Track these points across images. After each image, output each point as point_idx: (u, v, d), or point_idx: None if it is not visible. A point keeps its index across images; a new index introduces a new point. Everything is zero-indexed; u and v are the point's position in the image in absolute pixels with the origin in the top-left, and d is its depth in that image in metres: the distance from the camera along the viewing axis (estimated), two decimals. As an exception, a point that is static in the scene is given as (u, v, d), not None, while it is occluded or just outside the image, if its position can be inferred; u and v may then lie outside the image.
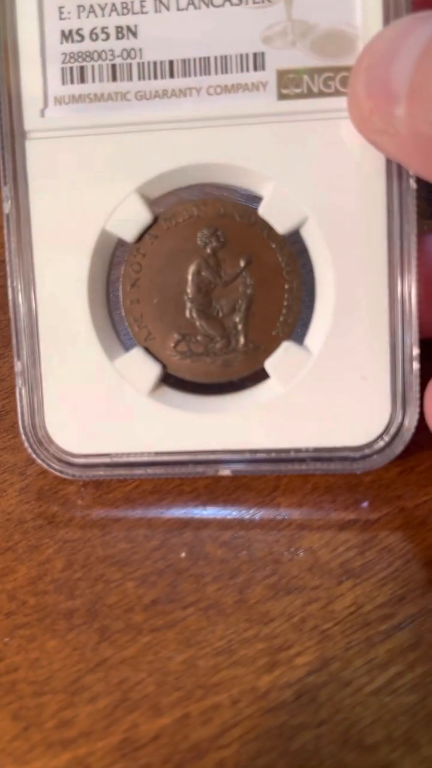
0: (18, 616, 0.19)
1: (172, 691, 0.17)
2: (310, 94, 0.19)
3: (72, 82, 0.19)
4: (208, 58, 0.19)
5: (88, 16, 0.19)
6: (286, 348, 0.20)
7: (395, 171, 0.19)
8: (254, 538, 0.20)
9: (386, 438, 0.20)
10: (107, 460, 0.20)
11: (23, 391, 0.20)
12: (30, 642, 0.18)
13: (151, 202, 0.20)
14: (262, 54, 0.19)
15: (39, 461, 0.21)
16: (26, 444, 0.20)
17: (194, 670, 0.18)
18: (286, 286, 0.20)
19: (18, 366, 0.20)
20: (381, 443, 0.20)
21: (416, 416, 0.19)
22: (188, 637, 0.18)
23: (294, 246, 0.20)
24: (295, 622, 0.18)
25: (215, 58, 0.19)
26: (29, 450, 0.21)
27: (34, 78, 0.19)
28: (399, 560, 0.19)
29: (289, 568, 0.19)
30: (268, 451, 0.20)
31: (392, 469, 0.21)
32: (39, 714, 0.17)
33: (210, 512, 0.20)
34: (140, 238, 0.20)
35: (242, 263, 0.20)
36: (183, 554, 0.20)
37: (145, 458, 0.20)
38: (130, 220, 0.20)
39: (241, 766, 0.16)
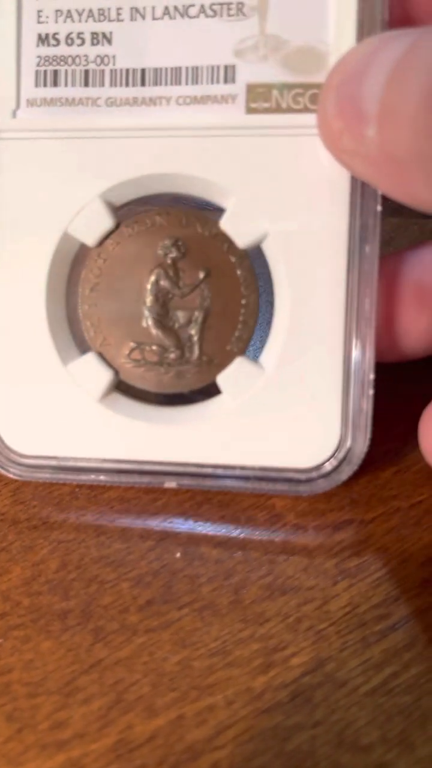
0: (12, 617, 0.19)
1: (167, 692, 0.17)
2: (278, 109, 0.19)
3: (45, 85, 0.20)
4: (180, 68, 0.19)
5: (65, 21, 0.19)
6: (239, 363, 0.20)
7: (360, 192, 0.18)
8: (249, 539, 0.20)
9: (334, 462, 0.19)
10: (53, 463, 0.20)
11: None
12: (24, 643, 0.18)
13: (114, 208, 0.20)
14: (233, 67, 0.19)
15: None
16: None
17: (189, 671, 0.18)
18: (243, 302, 0.20)
19: None
20: (328, 467, 0.19)
21: (366, 442, 0.19)
22: (183, 638, 0.18)
23: (256, 261, 0.20)
24: (291, 623, 0.18)
25: (186, 68, 0.19)
26: None
27: (8, 79, 0.20)
28: (394, 560, 0.19)
29: (285, 568, 0.19)
30: (215, 467, 0.20)
31: (387, 468, 0.21)
32: (33, 715, 0.17)
33: (205, 512, 0.20)
34: (102, 243, 0.20)
35: (201, 275, 0.20)
36: (178, 554, 0.20)
37: (92, 464, 0.20)
38: (93, 224, 0.20)
39: (236, 767, 0.16)
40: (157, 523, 0.20)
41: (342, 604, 0.18)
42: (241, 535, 0.20)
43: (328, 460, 0.19)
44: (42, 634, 0.18)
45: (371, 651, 0.18)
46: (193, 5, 0.19)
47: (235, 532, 0.20)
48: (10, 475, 0.20)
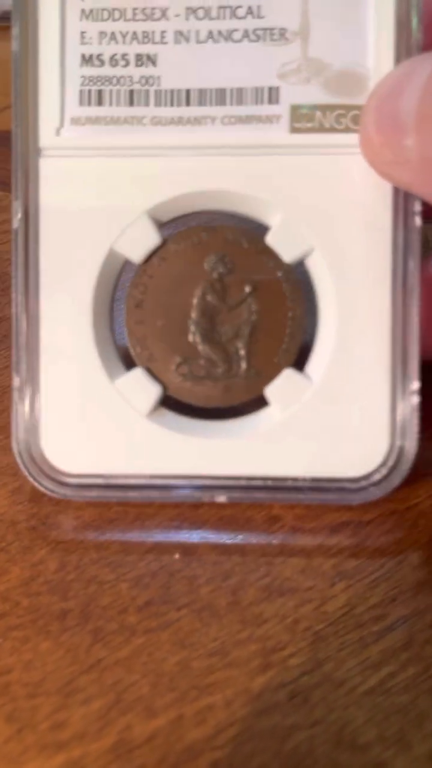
0: (11, 618, 0.19)
1: (166, 692, 0.18)
2: (321, 129, 0.19)
3: (89, 104, 0.20)
4: (224, 89, 0.19)
5: (109, 43, 0.20)
6: (287, 375, 0.20)
7: (401, 208, 0.19)
8: (247, 540, 0.20)
9: (384, 471, 0.19)
10: (101, 481, 0.20)
11: (20, 407, 0.20)
12: (23, 643, 0.18)
13: (161, 225, 0.20)
14: (277, 89, 0.19)
15: (30, 480, 0.20)
16: (19, 460, 0.20)
17: (188, 671, 0.18)
18: (290, 314, 0.20)
19: (16, 382, 0.20)
20: (378, 476, 0.19)
21: (414, 449, 0.19)
22: (182, 639, 0.18)
23: (300, 275, 0.20)
24: (288, 624, 0.18)
25: (231, 89, 0.19)
26: (22, 467, 0.20)
27: (52, 98, 0.20)
28: (391, 561, 0.19)
29: (282, 569, 0.19)
30: (265, 479, 0.20)
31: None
32: (33, 716, 0.17)
33: (203, 514, 0.20)
34: (148, 259, 0.20)
35: (247, 290, 0.20)
36: (176, 555, 0.20)
37: (141, 481, 0.20)
38: (139, 241, 0.20)
39: (235, 766, 0.16)
40: (155, 524, 0.20)
41: (339, 605, 0.19)
42: (240, 537, 0.20)
43: (378, 468, 0.19)
44: (41, 634, 0.18)
45: (369, 651, 0.18)
46: (236, 30, 0.19)
47: (234, 533, 0.20)
48: (56, 496, 0.20)
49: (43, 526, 0.20)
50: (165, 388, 0.20)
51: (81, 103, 0.20)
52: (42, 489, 0.20)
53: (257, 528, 0.20)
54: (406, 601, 0.19)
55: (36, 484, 0.20)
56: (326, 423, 0.20)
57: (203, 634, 0.18)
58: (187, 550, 0.20)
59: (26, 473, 0.20)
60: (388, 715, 0.17)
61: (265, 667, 0.18)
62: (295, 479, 0.20)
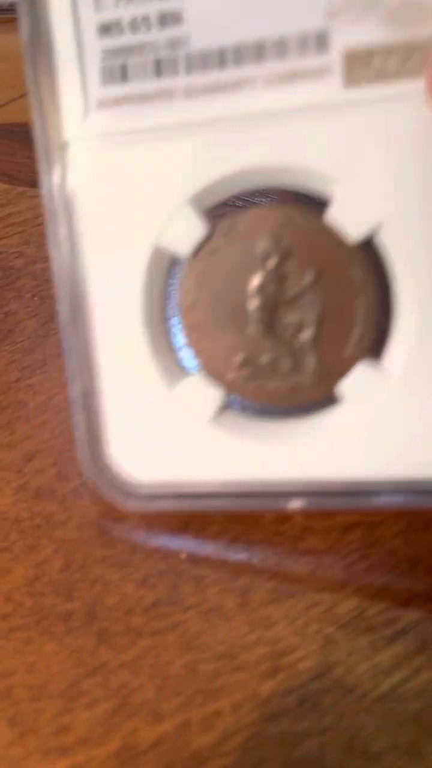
0: (15, 618, 0.18)
1: (172, 696, 0.17)
2: (382, 77, 0.16)
3: (114, 81, 0.18)
4: (263, 42, 0.17)
5: (127, 5, 0.17)
6: (362, 369, 0.18)
7: None
8: (256, 540, 0.19)
9: None
10: (174, 490, 0.19)
11: (81, 419, 0.19)
12: (27, 645, 0.18)
13: (206, 213, 0.18)
14: (325, 32, 0.16)
15: (99, 492, 0.19)
16: (86, 474, 0.19)
17: (195, 674, 0.17)
18: (360, 300, 0.18)
19: (76, 392, 0.19)
20: None
21: None
22: (189, 641, 0.18)
23: (368, 255, 0.18)
24: (298, 626, 0.18)
25: (271, 41, 0.17)
26: (89, 480, 0.19)
27: (73, 81, 0.18)
28: (404, 563, 0.19)
29: (292, 570, 0.19)
30: (343, 484, 0.18)
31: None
32: (35, 720, 0.17)
33: (211, 513, 0.20)
34: (197, 253, 0.18)
35: (310, 276, 0.18)
36: (183, 555, 0.19)
37: (212, 489, 0.19)
38: (185, 234, 0.18)
39: (242, 773, 0.16)
40: (162, 523, 0.20)
41: (350, 608, 0.18)
42: (248, 536, 0.19)
43: None
44: (45, 635, 0.18)
45: (380, 656, 0.17)
46: None
47: (242, 532, 0.19)
48: (128, 507, 0.19)
49: (47, 524, 0.20)
50: (227, 390, 0.19)
51: (104, 82, 0.18)
52: (111, 501, 0.19)
53: (267, 527, 0.19)
54: (418, 604, 0.18)
55: (107, 498, 0.19)
56: (411, 418, 0.17)
57: (210, 636, 0.18)
58: (194, 549, 0.19)
59: (95, 486, 0.19)
60: (401, 723, 0.16)
61: (274, 671, 0.17)
62: (377, 483, 0.18)
